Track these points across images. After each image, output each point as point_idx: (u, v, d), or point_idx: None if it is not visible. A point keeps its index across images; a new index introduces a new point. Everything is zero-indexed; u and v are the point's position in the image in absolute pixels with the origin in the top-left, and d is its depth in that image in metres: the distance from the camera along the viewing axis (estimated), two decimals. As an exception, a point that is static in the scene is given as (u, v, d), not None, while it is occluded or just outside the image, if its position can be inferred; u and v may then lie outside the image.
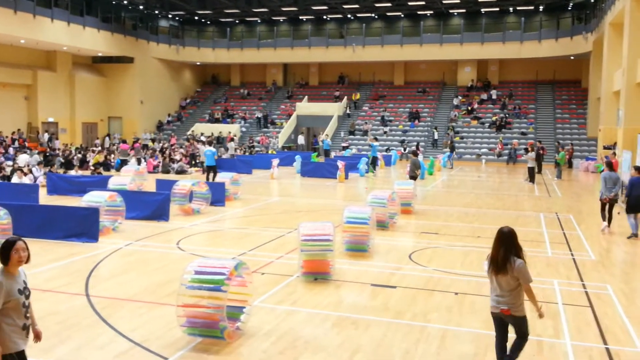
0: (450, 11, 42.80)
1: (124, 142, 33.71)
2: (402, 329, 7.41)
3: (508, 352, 5.87)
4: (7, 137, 32.40)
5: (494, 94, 42.41)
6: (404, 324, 7.58)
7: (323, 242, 9.46)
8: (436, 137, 38.55)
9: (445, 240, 12.97)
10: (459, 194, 21.70)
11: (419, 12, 43.36)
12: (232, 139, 36.44)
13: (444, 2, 39.25)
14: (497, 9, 41.72)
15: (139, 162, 27.67)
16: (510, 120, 39.72)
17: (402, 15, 44.39)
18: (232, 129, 41.71)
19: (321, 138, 32.04)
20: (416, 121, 41.22)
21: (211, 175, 22.31)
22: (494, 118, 39.98)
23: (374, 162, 28.11)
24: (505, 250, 5.68)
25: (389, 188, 18.41)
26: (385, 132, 40.48)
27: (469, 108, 41.37)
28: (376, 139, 32.70)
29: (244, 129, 43.12)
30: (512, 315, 5.72)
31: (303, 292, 8.96)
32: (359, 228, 11.20)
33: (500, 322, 5.87)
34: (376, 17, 45.01)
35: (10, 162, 25.08)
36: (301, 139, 39.82)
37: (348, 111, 43.06)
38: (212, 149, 23.74)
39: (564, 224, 15.31)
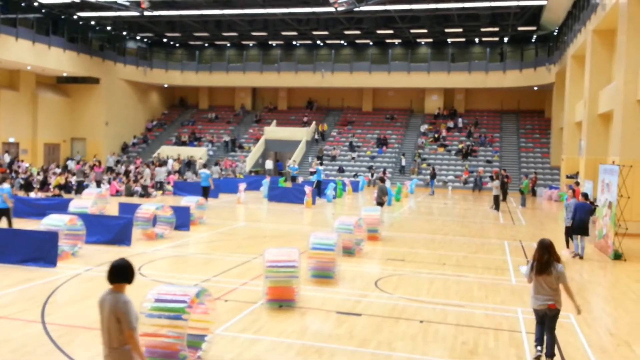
0: (418, 40, 43.69)
1: (100, 163, 33.21)
2: (367, 357, 7.33)
3: (547, 350, 7.06)
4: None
5: (460, 122, 43.22)
6: (369, 352, 7.50)
7: (288, 269, 9.35)
8: (403, 163, 38.95)
9: (411, 267, 12.99)
10: (425, 220, 21.86)
11: (387, 41, 44.13)
12: (217, 163, 36.67)
13: (411, 31, 40.06)
14: (464, 39, 42.77)
15: (98, 184, 27.11)
16: (476, 148, 40.46)
17: (371, 43, 45.10)
18: (199, 152, 41.38)
19: (288, 163, 32.06)
20: (384, 147, 41.62)
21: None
22: (460, 146, 40.67)
23: (318, 187, 28.14)
24: (549, 256, 7.01)
25: (356, 214, 18.43)
26: (353, 158, 40.72)
27: (436, 135, 42.02)
28: (321, 163, 32.80)
29: (211, 152, 42.82)
30: (557, 308, 7.02)
31: (267, 319, 8.81)
32: (325, 254, 11.13)
33: (543, 317, 7.10)
34: (345, 44, 45.63)
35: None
36: (269, 164, 39.73)
37: (316, 136, 43.23)
38: (207, 171, 25.02)
39: (528, 251, 15.52)
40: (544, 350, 7.11)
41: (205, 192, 24.56)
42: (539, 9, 33.23)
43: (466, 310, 9.55)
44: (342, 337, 8.10)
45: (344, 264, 12.24)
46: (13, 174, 30.30)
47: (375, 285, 11.12)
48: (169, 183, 30.79)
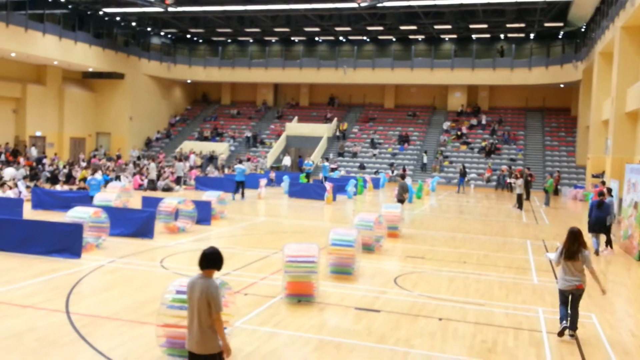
0: (442, 36, 43.35)
1: (119, 157, 33.67)
2: (385, 354, 7.33)
3: (571, 325, 8.03)
4: (-6, 149, 32.14)
5: (483, 119, 42.80)
6: (387, 349, 7.50)
7: (307, 264, 9.38)
8: (425, 160, 38.73)
9: (431, 265, 12.93)
10: (446, 218, 21.73)
11: (410, 37, 43.88)
12: (248, 159, 37.11)
13: (435, 27, 39.77)
14: (489, 35, 42.32)
15: (117, 178, 27.44)
16: (499, 146, 40.04)
17: (394, 39, 44.89)
18: (220, 148, 41.66)
19: (307, 160, 32.01)
20: (405, 144, 41.43)
21: (240, 190, 25.16)
22: (483, 143, 40.30)
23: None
24: (579, 244, 7.98)
25: (376, 211, 18.39)
26: (374, 155, 40.62)
27: (459, 133, 41.69)
28: (327, 159, 32.86)
29: (232, 148, 43.08)
30: (583, 288, 8.05)
31: (286, 314, 8.86)
32: (344, 250, 11.13)
33: (569, 296, 8.07)
34: (368, 40, 45.47)
35: (-5, 175, 24.83)
36: (287, 160, 39.77)
37: (337, 133, 43.18)
38: (242, 166, 26.42)
39: (551, 251, 15.33)
40: (568, 324, 8.02)
41: (240, 186, 25.26)
42: (567, 4, 32.72)
43: (486, 309, 9.49)
44: (361, 332, 8.11)
45: (363, 261, 12.23)
46: (40, 167, 30.85)
47: (394, 282, 11.10)
48: (190, 178, 31.13)
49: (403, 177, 20.23)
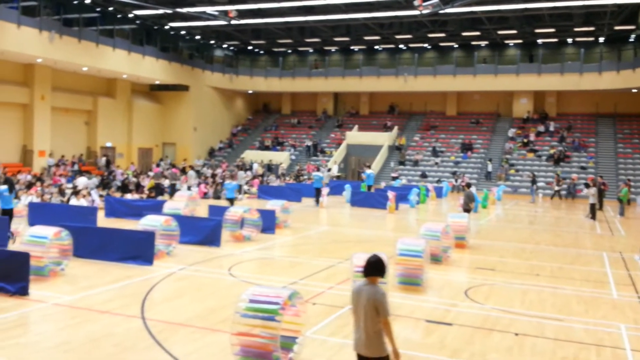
0: (506, 42, 42.32)
1: (174, 166, 34.49)
2: (460, 368, 7.12)
3: None
4: (67, 160, 33.63)
5: (551, 126, 41.37)
6: (462, 363, 7.28)
7: (377, 274, 9.24)
8: (490, 169, 37.77)
9: (502, 277, 12.52)
10: (514, 229, 21.05)
11: (472, 43, 43.07)
12: (325, 168, 37.56)
13: (499, 32, 38.87)
14: (556, 39, 40.99)
15: (172, 187, 28.14)
16: (568, 154, 38.58)
17: (456, 46, 44.17)
18: (281, 157, 42.09)
19: (370, 171, 31.60)
20: (469, 152, 40.59)
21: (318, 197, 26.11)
22: (551, 151, 38.93)
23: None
24: None
25: (440, 220, 18.05)
26: (436, 163, 39.99)
27: (525, 140, 40.46)
28: (369, 167, 32.57)
29: (293, 157, 43.44)
30: None
31: (356, 324, 8.75)
32: (413, 261, 10.94)
33: None
34: (429, 47, 44.96)
35: (70, 185, 25.94)
36: (335, 170, 39.42)
37: (396, 144, 42.68)
38: (320, 173, 27.24)
39: (629, 264, 14.57)
40: None
41: (318, 193, 26.16)
42: (638, 7, 31.26)
43: (564, 324, 9.09)
44: (433, 346, 7.92)
45: (431, 272, 11.98)
46: (110, 177, 32.05)
47: (465, 295, 10.81)
48: (252, 186, 31.58)
49: (469, 185, 19.78)
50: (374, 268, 5.46)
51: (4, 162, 29.30)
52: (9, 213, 14.25)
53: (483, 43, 43.07)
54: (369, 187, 28.89)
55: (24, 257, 9.57)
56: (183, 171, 34.43)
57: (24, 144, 32.41)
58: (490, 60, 42.45)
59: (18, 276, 9.46)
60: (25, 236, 11.04)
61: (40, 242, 10.68)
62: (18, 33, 28.02)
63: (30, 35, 28.80)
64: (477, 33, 39.32)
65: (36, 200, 20.14)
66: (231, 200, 22.44)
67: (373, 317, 5.23)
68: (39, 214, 16.98)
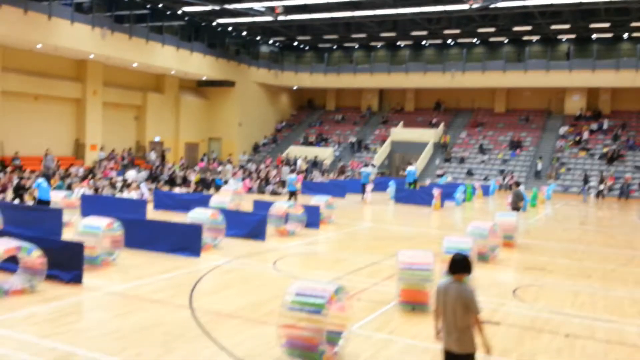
0: (559, 37, 41.15)
1: (214, 161, 35.20)
2: (509, 369, 6.99)
3: None
4: (117, 154, 34.57)
5: (605, 124, 40.02)
6: (511, 364, 7.14)
7: (423, 272, 9.17)
8: (539, 167, 36.84)
9: (552, 277, 12.20)
10: (565, 229, 20.48)
11: (524, 38, 42.06)
12: (371, 164, 36.97)
13: (552, 27, 37.82)
14: (610, 34, 39.61)
15: (225, 182, 28.54)
16: (623, 153, 37.26)
17: (506, 41, 43.24)
18: (325, 153, 42.14)
19: (412, 168, 30.98)
20: (517, 150, 39.69)
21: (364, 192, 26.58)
22: (604, 150, 37.68)
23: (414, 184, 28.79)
24: None
25: (486, 219, 17.74)
26: (483, 161, 39.28)
27: (577, 138, 39.28)
28: (410, 163, 32.14)
29: (337, 153, 43.44)
30: None
31: (401, 321, 8.72)
32: (460, 259, 10.76)
33: None
34: (477, 42, 44.16)
35: (120, 178, 26.67)
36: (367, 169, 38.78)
37: (441, 141, 42.11)
38: (368, 169, 27.72)
39: (687, 267, 14.00)
40: None
41: (364, 189, 26.59)
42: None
43: (616, 327, 8.79)
44: (481, 346, 7.77)
45: (478, 270, 11.74)
46: (158, 171, 32.78)
47: (513, 294, 10.59)
48: (296, 182, 31.72)
49: (518, 184, 19.34)
50: (460, 266, 5.55)
51: (58, 155, 30.35)
52: (46, 204, 15.29)
53: (534, 38, 42.01)
54: (411, 183, 28.54)
55: (78, 247, 9.89)
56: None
57: (76, 138, 33.50)
58: (542, 55, 41.35)
59: (72, 265, 9.79)
60: (79, 227, 11.41)
61: (94, 232, 11.02)
62: (72, 29, 28.93)
63: (83, 31, 29.69)
64: (529, 28, 38.37)
65: (89, 192, 20.78)
66: (292, 193, 22.49)
67: (462, 314, 5.35)
68: (91, 206, 17.52)
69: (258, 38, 46.15)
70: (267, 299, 9.47)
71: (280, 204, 16.43)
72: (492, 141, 41.49)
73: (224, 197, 19.15)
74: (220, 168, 32.27)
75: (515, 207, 17.81)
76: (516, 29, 38.68)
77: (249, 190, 28.84)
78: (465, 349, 5.42)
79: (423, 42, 45.62)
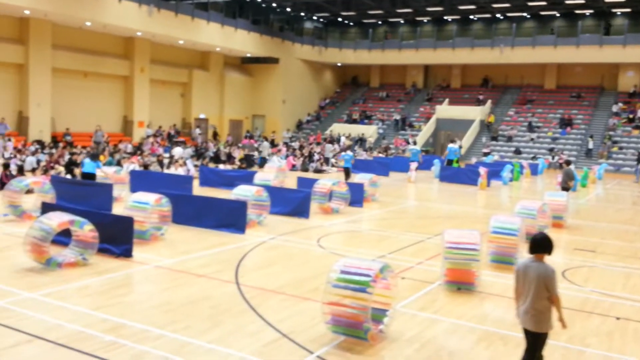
0: (613, 10, 39.38)
1: (251, 137, 35.55)
2: (558, 350, 6.87)
3: None
4: (164, 131, 35.20)
5: (660, 101, 38.37)
6: (560, 346, 7.00)
7: (469, 251, 9.03)
8: (590, 146, 35.66)
9: (602, 259, 11.86)
10: (616, 209, 19.84)
11: (576, 12, 40.44)
12: (415, 142, 35.87)
13: (606, 0, 36.19)
14: (669, 7, 37.73)
15: (263, 159, 28.82)
16: (678, 131, 35.70)
17: (557, 15, 41.70)
18: (369, 131, 41.84)
19: (453, 145, 30.09)
20: (568, 128, 38.47)
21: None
22: (659, 128, 36.16)
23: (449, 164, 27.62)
24: None
25: (535, 198, 17.32)
26: (532, 139, 38.28)
27: (631, 116, 37.76)
28: (453, 141, 31.29)
29: (381, 131, 43.08)
30: None
31: (446, 301, 8.64)
32: (507, 239, 10.57)
33: None
34: (528, 16, 42.73)
35: (167, 154, 27.18)
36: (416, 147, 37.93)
37: (486, 121, 41.13)
38: (417, 147, 28.37)
39: None
40: None
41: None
42: None
43: (673, 312, 8.49)
44: (557, 321, 7.65)
45: (525, 251, 11.52)
46: (203, 149, 33.24)
47: (562, 276, 10.33)
48: (339, 160, 31.69)
49: (568, 163, 18.76)
50: (541, 245, 5.62)
51: (107, 132, 31.13)
52: (91, 177, 15.83)
53: (588, 12, 40.32)
54: (451, 161, 27.79)
55: (128, 221, 10.15)
56: (272, 143, 35.10)
57: (124, 115, 34.24)
58: (595, 30, 39.68)
59: (123, 239, 10.06)
60: (129, 202, 11.69)
61: (143, 207, 11.28)
62: (119, 7, 29.36)
63: (131, 9, 30.10)
64: (582, 1, 36.87)
65: (137, 168, 21.27)
66: (347, 170, 23.09)
67: (541, 293, 5.44)
68: (139, 181, 17.93)
69: (302, 14, 45.87)
70: (311, 275, 9.54)
71: (324, 182, 16.42)
72: (541, 119, 40.33)
73: (268, 174, 19.27)
74: (257, 145, 32.53)
75: (566, 186, 17.28)
76: (569, 2, 37.22)
77: (293, 167, 28.95)
78: (541, 328, 5.49)
79: (471, 17, 44.45)
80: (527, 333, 5.61)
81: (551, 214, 14.08)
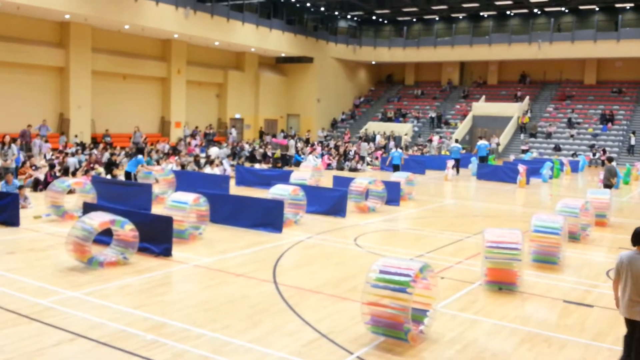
0: (656, 2, 38.20)
1: (274, 136, 35.75)
2: (603, 353, 6.67)
3: None
4: (200, 131, 35.61)
5: None
6: (605, 347, 6.81)
7: (510, 251, 8.84)
8: (633, 142, 34.62)
9: (650, 258, 11.45)
10: (662, 207, 19.21)
11: (616, 5, 39.30)
12: (457, 140, 35.87)
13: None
14: None
15: (289, 157, 28.96)
16: None
17: (597, 9, 40.60)
18: (404, 129, 41.52)
19: (483, 142, 29.44)
20: (609, 124, 37.43)
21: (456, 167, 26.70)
22: None
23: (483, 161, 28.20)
24: None
25: (575, 196, 16.89)
26: (571, 136, 37.37)
27: (674, 111, 36.54)
28: (481, 137, 30.83)
29: (416, 129, 42.69)
30: None
31: (487, 301, 8.47)
32: (549, 238, 10.32)
33: None
34: (566, 11, 41.73)
35: (203, 154, 27.48)
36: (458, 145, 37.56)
37: (529, 114, 40.29)
38: (458, 145, 28.34)
39: None
40: None
41: (457, 164, 26.83)
42: None
43: None
44: (573, 328, 7.45)
45: (568, 250, 11.24)
46: (238, 148, 33.50)
47: (607, 276, 10.05)
48: (377, 158, 31.54)
49: (610, 160, 18.23)
50: None
51: (145, 133, 31.67)
52: (127, 176, 16.59)
53: (629, 5, 39.15)
54: (483, 158, 27.88)
55: (167, 221, 10.27)
56: (307, 142, 35.14)
57: (162, 116, 34.79)
58: (636, 24, 38.47)
59: (162, 238, 10.19)
60: (168, 201, 11.84)
61: (181, 207, 11.40)
62: (157, 10, 29.84)
63: (168, 11, 30.56)
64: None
65: (176, 168, 21.56)
66: (396, 167, 24.21)
67: None
68: (177, 181, 18.13)
69: (336, 13, 45.81)
70: (349, 275, 9.48)
71: (361, 180, 16.34)
72: (581, 115, 39.35)
73: (304, 173, 19.28)
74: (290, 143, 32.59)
75: (608, 184, 16.83)
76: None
77: (328, 166, 28.92)
78: None
79: (508, 12, 43.66)
80: (636, 324, 5.68)
81: (594, 212, 13.68)
